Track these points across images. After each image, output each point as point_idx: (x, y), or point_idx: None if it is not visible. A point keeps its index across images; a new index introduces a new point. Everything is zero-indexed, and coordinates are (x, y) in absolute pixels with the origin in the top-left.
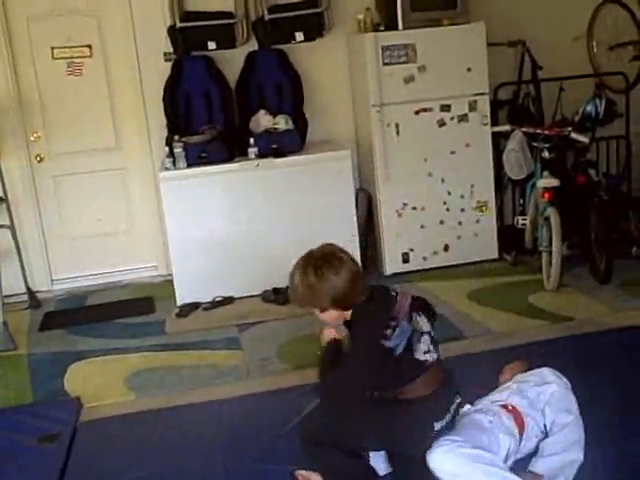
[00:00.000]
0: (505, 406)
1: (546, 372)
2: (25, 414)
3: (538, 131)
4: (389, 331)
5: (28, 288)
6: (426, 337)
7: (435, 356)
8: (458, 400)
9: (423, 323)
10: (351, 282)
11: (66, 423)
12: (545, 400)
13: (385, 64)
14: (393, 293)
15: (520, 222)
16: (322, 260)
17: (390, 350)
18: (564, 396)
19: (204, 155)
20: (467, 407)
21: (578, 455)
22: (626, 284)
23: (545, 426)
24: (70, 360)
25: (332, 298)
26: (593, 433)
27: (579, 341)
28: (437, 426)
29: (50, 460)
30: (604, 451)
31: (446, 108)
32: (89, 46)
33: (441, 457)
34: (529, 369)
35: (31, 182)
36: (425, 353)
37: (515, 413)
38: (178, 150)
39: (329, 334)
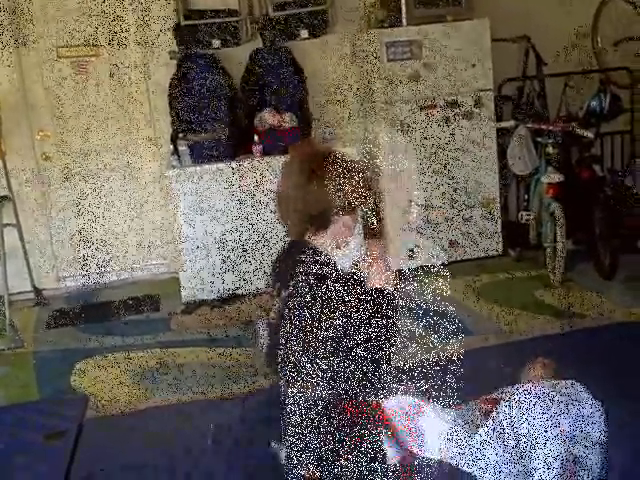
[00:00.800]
0: None
1: (579, 388)
2: (31, 411)
3: (543, 126)
4: None
5: (34, 286)
6: None
7: None
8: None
9: None
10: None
11: (73, 420)
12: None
13: (390, 60)
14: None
15: (524, 218)
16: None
17: None
18: (598, 417)
19: (209, 153)
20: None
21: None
22: (631, 279)
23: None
24: (77, 357)
25: None
26: None
27: (584, 336)
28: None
29: (56, 457)
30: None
31: (451, 104)
32: (95, 45)
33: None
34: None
35: (38, 180)
36: None
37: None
38: (183, 148)
39: None
